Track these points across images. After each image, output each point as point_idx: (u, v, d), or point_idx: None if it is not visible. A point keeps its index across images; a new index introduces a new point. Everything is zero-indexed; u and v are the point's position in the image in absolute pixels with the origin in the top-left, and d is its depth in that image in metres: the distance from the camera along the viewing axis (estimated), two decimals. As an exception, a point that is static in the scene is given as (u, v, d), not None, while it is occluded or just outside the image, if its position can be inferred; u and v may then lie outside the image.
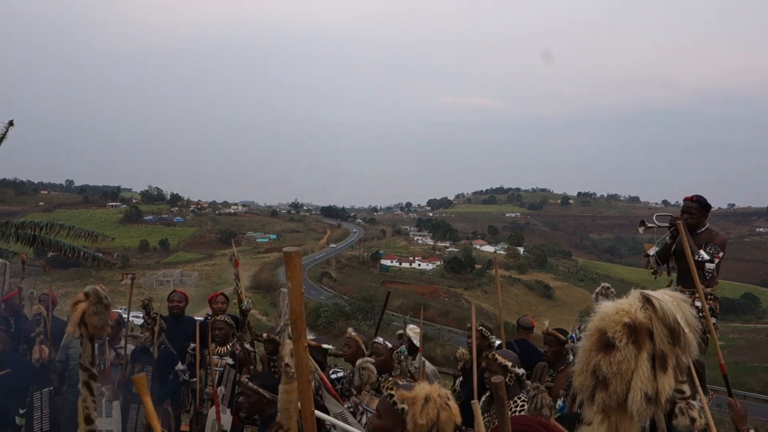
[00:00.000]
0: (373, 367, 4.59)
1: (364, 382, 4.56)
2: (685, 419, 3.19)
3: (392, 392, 2.52)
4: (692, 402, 3.32)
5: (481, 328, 5.53)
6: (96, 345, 5.71)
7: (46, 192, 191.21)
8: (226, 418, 5.23)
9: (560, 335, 5.25)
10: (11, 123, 12.87)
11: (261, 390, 4.05)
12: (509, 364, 4.03)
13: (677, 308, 1.20)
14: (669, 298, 1.21)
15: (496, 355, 4.11)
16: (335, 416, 3.61)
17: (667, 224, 5.38)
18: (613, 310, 1.25)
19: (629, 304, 1.24)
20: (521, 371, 4.09)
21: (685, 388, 3.27)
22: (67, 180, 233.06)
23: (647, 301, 1.23)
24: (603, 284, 4.61)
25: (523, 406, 3.91)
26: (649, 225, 5.57)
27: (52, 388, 6.01)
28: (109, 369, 6.12)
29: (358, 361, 4.70)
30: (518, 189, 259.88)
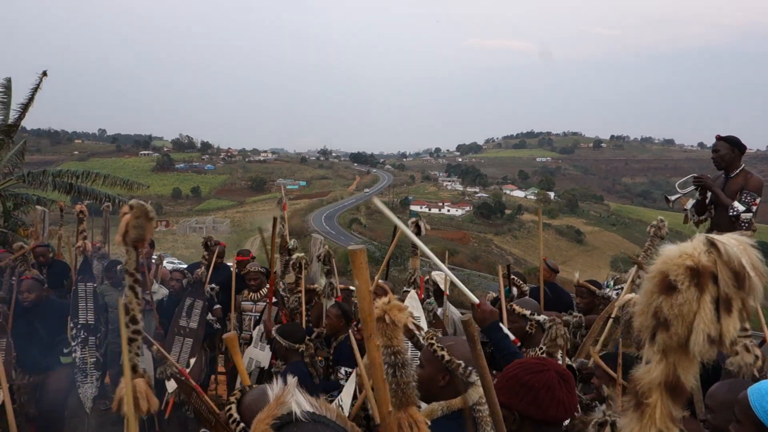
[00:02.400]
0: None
1: None
2: (750, 356, 3.13)
3: (432, 341, 2.64)
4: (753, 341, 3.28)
5: (513, 277, 5.56)
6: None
7: (80, 141, 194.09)
8: (265, 355, 5.40)
9: (591, 286, 5.27)
10: (45, 73, 12.96)
11: (279, 338, 4.48)
12: (527, 312, 3.94)
13: (743, 252, 1.20)
14: (735, 242, 1.20)
15: (513, 305, 4.04)
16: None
17: (692, 187, 5.32)
18: (676, 253, 1.25)
19: (693, 247, 1.24)
20: (542, 318, 3.89)
21: (747, 325, 3.23)
22: (100, 129, 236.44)
23: (712, 244, 1.23)
24: (659, 217, 4.72)
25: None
26: (674, 198, 5.55)
27: (95, 284, 6.27)
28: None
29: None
30: (549, 133, 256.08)
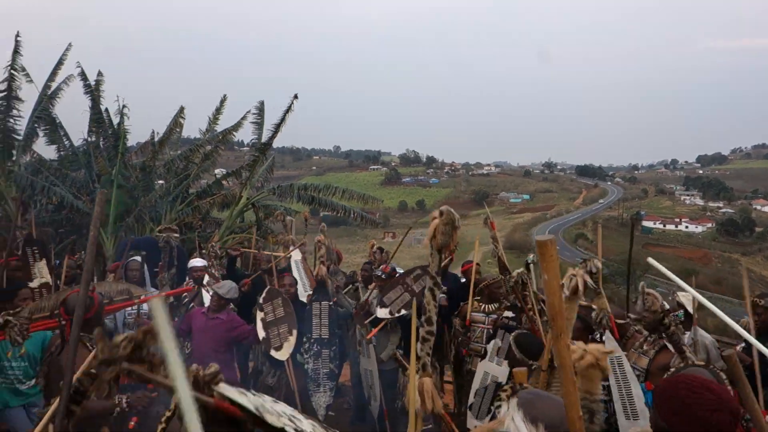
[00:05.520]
0: (657, 294, 4.30)
1: (647, 307, 4.31)
2: None
3: None
4: None
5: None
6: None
7: (317, 157, 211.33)
8: (502, 370, 5.35)
9: None
10: (296, 96, 14.33)
11: (514, 347, 4.23)
12: None
13: None
14: None
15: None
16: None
17: None
18: None
19: None
20: None
21: None
22: (335, 146, 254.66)
23: None
24: None
25: None
26: None
27: (330, 302, 6.57)
28: (357, 313, 6.64)
29: (641, 284, 4.46)
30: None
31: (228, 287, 6.05)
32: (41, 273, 6.53)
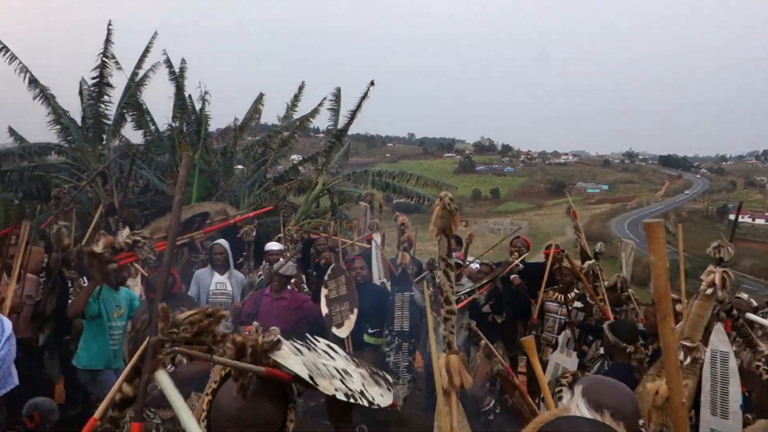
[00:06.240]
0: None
1: None
2: None
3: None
4: None
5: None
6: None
7: (391, 144, 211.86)
8: (572, 361, 5.30)
9: None
10: (372, 83, 14.41)
11: (607, 332, 4.13)
12: None
13: None
14: None
15: None
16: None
17: None
18: None
19: None
20: None
21: None
22: (409, 133, 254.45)
23: None
24: None
25: None
26: None
27: (412, 293, 6.47)
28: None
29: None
30: None
31: (286, 265, 6.19)
32: (124, 241, 6.78)
